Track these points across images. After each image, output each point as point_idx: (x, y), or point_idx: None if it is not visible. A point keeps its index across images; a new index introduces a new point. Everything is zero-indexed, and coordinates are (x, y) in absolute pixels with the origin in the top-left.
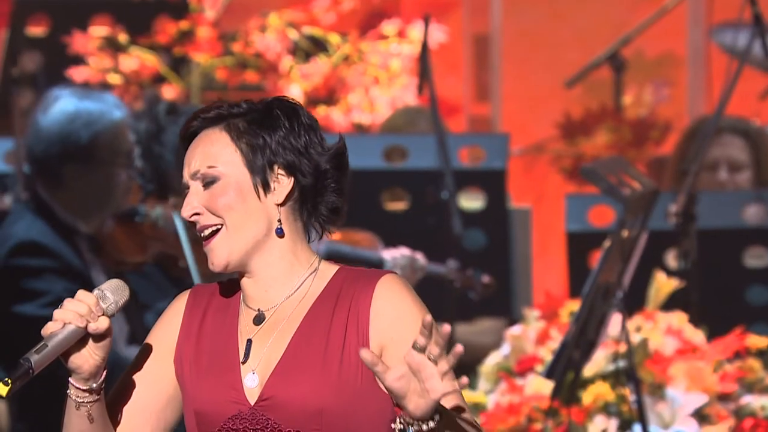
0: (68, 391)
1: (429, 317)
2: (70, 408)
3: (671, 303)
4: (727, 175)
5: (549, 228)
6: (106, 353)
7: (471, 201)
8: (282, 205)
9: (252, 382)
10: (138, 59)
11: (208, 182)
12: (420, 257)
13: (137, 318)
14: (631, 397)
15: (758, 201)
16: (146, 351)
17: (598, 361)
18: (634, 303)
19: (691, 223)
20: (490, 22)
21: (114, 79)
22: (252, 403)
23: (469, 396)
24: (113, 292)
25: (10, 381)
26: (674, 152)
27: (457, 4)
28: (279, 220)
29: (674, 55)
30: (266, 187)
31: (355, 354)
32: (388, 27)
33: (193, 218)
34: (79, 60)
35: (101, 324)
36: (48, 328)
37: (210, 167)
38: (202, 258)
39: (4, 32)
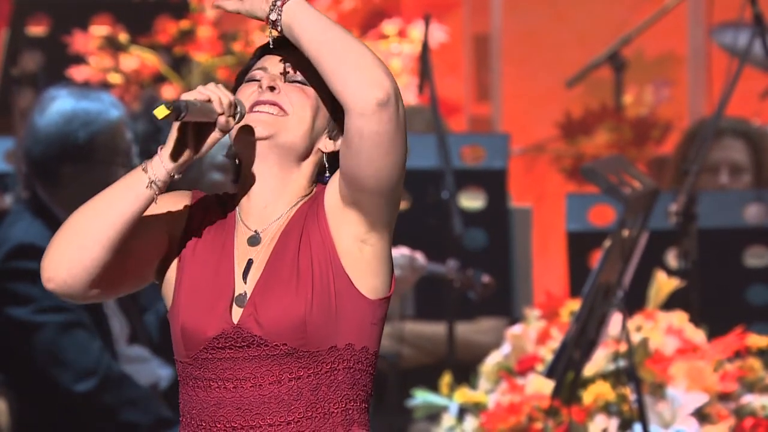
0: (144, 167)
1: None
2: (133, 189)
3: (672, 302)
4: (728, 178)
5: (549, 227)
6: (199, 153)
7: (471, 200)
8: (324, 153)
9: (239, 300)
10: (138, 59)
11: (299, 81)
12: (420, 257)
13: (137, 319)
14: (632, 397)
15: (759, 200)
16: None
17: (599, 361)
18: (634, 302)
19: (691, 222)
20: (490, 22)
21: (114, 78)
22: (236, 322)
23: (470, 396)
24: (241, 105)
25: (169, 107)
26: (675, 152)
27: (457, 3)
28: (326, 166)
29: (675, 54)
30: (330, 134)
31: (326, 262)
32: (389, 26)
33: (267, 93)
34: (79, 59)
35: (230, 123)
36: (191, 94)
37: (303, 75)
38: None
39: (4, 32)
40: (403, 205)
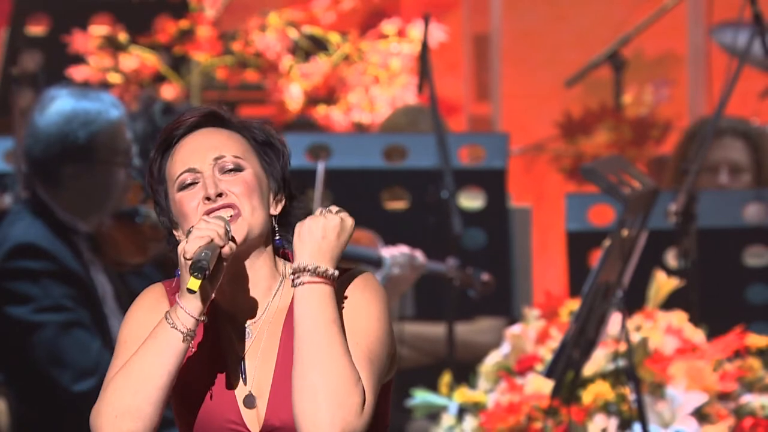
0: (173, 324)
1: None
2: (170, 347)
3: (671, 302)
4: (728, 178)
5: (549, 227)
6: (216, 287)
7: (471, 200)
8: (275, 217)
9: (249, 403)
10: (138, 58)
11: (232, 170)
12: (419, 255)
13: None
14: (631, 397)
15: (758, 200)
16: (138, 342)
17: (598, 360)
18: (633, 302)
19: (691, 222)
20: (490, 22)
21: (114, 78)
22: (252, 430)
23: (470, 395)
24: (227, 222)
25: (200, 276)
26: (674, 152)
27: (457, 3)
28: (276, 230)
29: (674, 54)
30: (275, 196)
31: None
32: (388, 26)
33: (217, 199)
34: (79, 59)
35: (233, 246)
36: (192, 248)
37: (236, 157)
38: None
39: (4, 31)
40: (403, 204)
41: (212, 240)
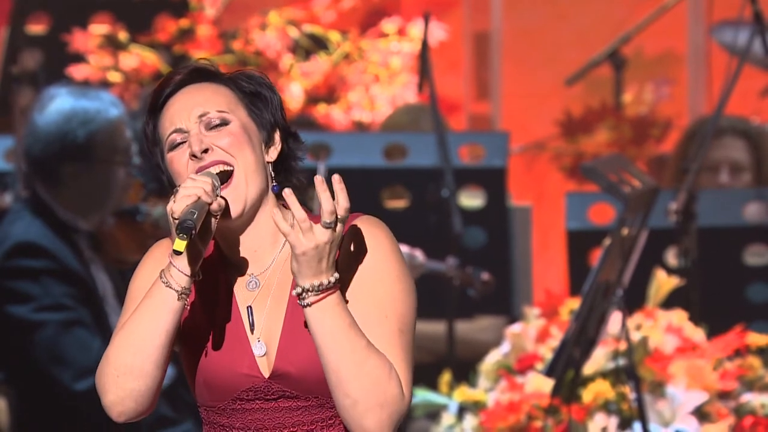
0: (167, 282)
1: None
2: (166, 305)
3: (671, 301)
4: (728, 177)
5: (549, 226)
6: (208, 243)
7: (471, 199)
8: (272, 163)
9: (259, 350)
10: (138, 57)
11: (218, 125)
12: (419, 254)
13: None
14: (632, 395)
15: (758, 199)
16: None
17: (598, 359)
18: (634, 301)
19: (691, 221)
20: (490, 20)
21: (114, 77)
22: (266, 376)
23: (470, 394)
24: (215, 177)
25: (184, 236)
26: (675, 151)
27: (457, 2)
28: (272, 178)
29: (674, 53)
30: (268, 143)
31: None
32: (389, 25)
33: (202, 156)
34: (79, 58)
35: (221, 202)
36: (181, 201)
37: (221, 111)
38: None
39: (4, 30)
40: (403, 203)
41: (199, 198)
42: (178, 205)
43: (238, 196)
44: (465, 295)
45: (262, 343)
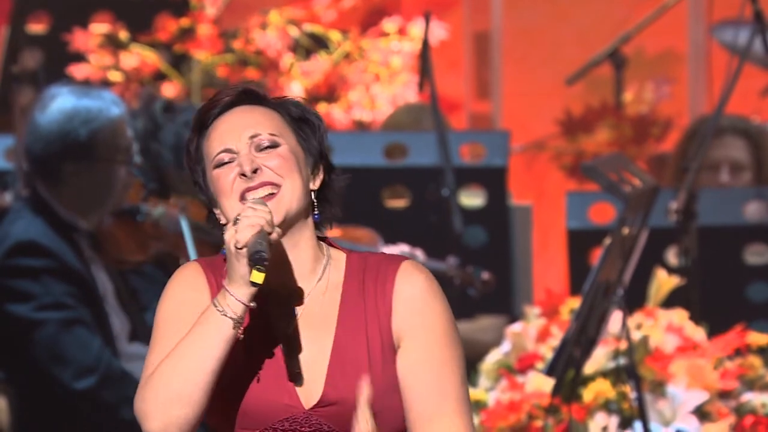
0: (223, 311)
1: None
2: (220, 333)
3: (672, 300)
4: (729, 176)
5: (549, 225)
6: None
7: (471, 198)
8: (314, 192)
9: (300, 382)
10: (138, 56)
11: (268, 146)
12: (419, 254)
13: (138, 317)
14: (632, 395)
15: (759, 198)
16: (180, 322)
17: (599, 359)
18: (634, 300)
19: (691, 220)
20: (490, 20)
21: (114, 76)
22: (306, 408)
23: (470, 393)
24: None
25: (261, 268)
26: (675, 150)
27: (457, 1)
28: (314, 206)
29: (675, 52)
30: (313, 171)
31: (389, 350)
32: (389, 24)
33: (252, 176)
34: (79, 57)
35: (279, 232)
36: (245, 234)
37: (272, 134)
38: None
39: (4, 29)
40: (403, 202)
41: (262, 228)
42: (242, 235)
43: (280, 207)
44: (465, 295)
45: (304, 377)
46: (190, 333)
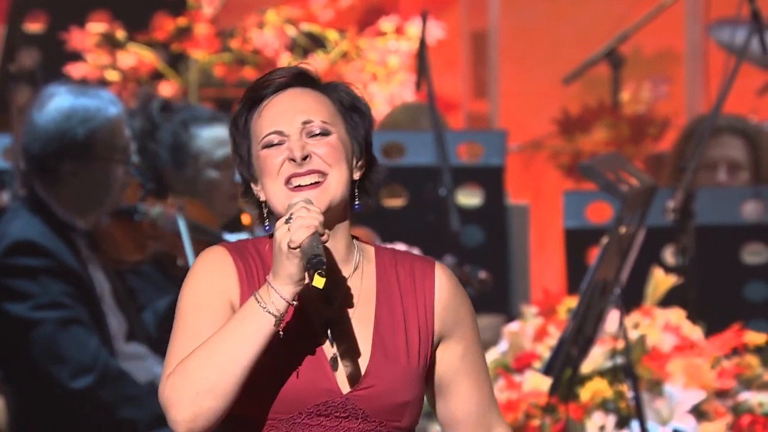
0: (265, 307)
1: None
2: (262, 329)
3: (669, 299)
4: (726, 176)
5: (547, 224)
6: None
7: (469, 197)
8: (356, 182)
9: (340, 369)
10: (136, 56)
11: (320, 134)
12: (417, 253)
13: (135, 316)
14: (629, 394)
15: (756, 197)
16: (207, 306)
17: (596, 358)
18: (631, 299)
19: (689, 219)
20: (488, 19)
21: (112, 75)
22: (344, 393)
23: None
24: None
25: (322, 273)
26: (672, 149)
27: (455, 0)
28: (356, 196)
29: (672, 51)
30: (358, 160)
31: (426, 344)
32: (386, 24)
33: (302, 162)
34: (76, 56)
35: (329, 233)
36: (299, 236)
37: (323, 121)
38: None
39: (1, 28)
40: (401, 201)
41: (316, 230)
42: (297, 236)
43: (325, 196)
44: None
45: (343, 363)
46: (228, 325)
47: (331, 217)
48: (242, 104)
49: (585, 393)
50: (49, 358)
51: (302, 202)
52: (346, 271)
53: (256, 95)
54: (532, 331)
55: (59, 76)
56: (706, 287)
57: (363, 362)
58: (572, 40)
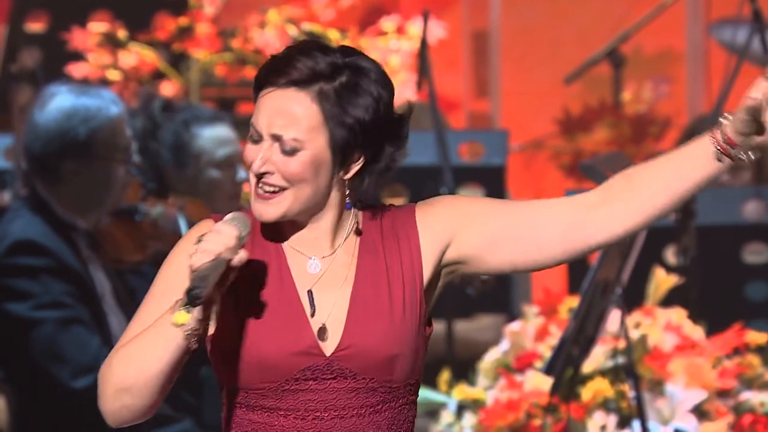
0: (177, 322)
1: None
2: (173, 341)
3: (670, 299)
4: (727, 175)
5: None
6: (226, 287)
7: None
8: (349, 178)
9: (323, 333)
10: (137, 55)
11: (288, 151)
12: None
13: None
14: (631, 394)
15: (757, 197)
16: (172, 293)
17: (597, 357)
18: (633, 299)
19: (690, 219)
20: (489, 18)
21: (113, 75)
22: (328, 354)
23: (469, 392)
24: (242, 224)
25: (189, 308)
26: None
27: (456, 0)
28: (347, 194)
29: (673, 51)
30: (342, 167)
31: (412, 294)
32: (387, 23)
33: (263, 176)
34: (78, 56)
35: (242, 256)
36: (199, 260)
37: (294, 139)
38: None
39: (3, 28)
40: (402, 201)
41: (218, 256)
42: (195, 260)
43: (278, 209)
44: (464, 294)
45: (325, 327)
46: (147, 330)
47: (307, 210)
48: (258, 70)
49: (586, 393)
50: (49, 357)
51: (227, 220)
52: (333, 245)
53: (256, 81)
54: (533, 330)
55: (60, 76)
56: (707, 287)
57: (341, 323)
58: (573, 40)
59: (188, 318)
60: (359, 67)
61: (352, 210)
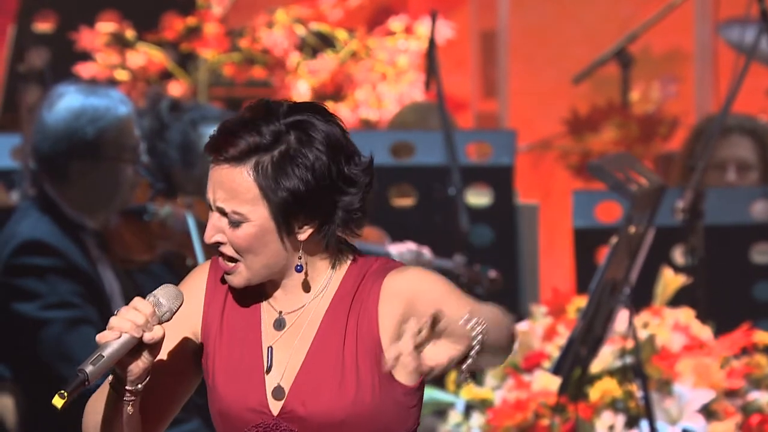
0: (112, 388)
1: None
2: (112, 403)
3: (678, 299)
4: (735, 175)
5: (556, 224)
6: (155, 357)
7: (478, 197)
8: (304, 240)
9: (277, 391)
10: (145, 55)
11: (232, 223)
12: (426, 252)
13: None
14: (639, 393)
15: (765, 197)
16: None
17: (605, 357)
18: (641, 299)
19: (698, 219)
20: (497, 18)
21: (121, 75)
22: (275, 414)
23: (477, 392)
24: (168, 298)
25: (66, 393)
26: (682, 149)
27: (464, 0)
28: (300, 257)
29: (681, 51)
30: (290, 233)
31: (370, 364)
32: (396, 23)
33: (218, 246)
34: (86, 56)
35: (156, 333)
36: (104, 337)
37: (235, 212)
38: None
39: (11, 28)
40: (410, 201)
41: (122, 335)
42: (102, 335)
43: (239, 279)
44: (472, 293)
45: (279, 385)
46: (102, 387)
47: (270, 274)
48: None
49: (594, 392)
50: (57, 357)
51: (152, 294)
52: (305, 298)
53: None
54: (541, 330)
55: (68, 76)
56: (715, 287)
57: (289, 384)
58: (581, 40)
59: (63, 402)
60: (304, 132)
61: (336, 261)
